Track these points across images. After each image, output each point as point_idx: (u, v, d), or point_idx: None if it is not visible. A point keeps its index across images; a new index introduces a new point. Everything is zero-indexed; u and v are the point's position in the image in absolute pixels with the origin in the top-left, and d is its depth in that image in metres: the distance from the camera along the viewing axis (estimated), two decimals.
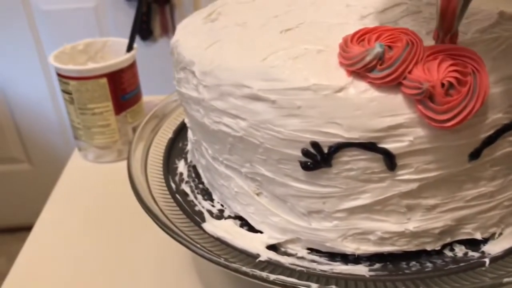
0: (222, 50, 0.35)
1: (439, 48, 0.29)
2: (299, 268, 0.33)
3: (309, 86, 0.30)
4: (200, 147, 0.41)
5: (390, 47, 0.29)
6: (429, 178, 0.31)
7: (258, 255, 0.35)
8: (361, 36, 0.31)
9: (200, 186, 0.44)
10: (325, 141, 0.31)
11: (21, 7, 1.23)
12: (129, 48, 0.62)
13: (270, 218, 0.36)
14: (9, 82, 1.33)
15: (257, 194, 0.36)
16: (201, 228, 0.38)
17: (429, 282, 0.32)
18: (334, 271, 0.33)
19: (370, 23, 0.36)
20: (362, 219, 0.33)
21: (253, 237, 0.37)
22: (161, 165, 0.46)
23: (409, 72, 0.29)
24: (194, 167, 0.46)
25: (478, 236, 0.35)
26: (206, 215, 0.40)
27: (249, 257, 0.35)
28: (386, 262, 0.34)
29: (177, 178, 0.45)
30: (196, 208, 0.41)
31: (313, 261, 0.35)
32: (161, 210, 0.39)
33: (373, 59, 0.29)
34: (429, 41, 0.31)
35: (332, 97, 0.30)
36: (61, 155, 1.40)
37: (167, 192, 0.43)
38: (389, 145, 0.30)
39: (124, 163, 0.45)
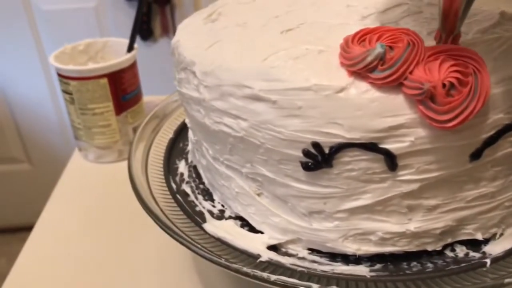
0: (222, 50, 0.35)
1: (440, 48, 0.29)
2: (300, 269, 0.33)
3: (310, 87, 0.30)
4: (201, 147, 0.41)
5: (391, 48, 0.29)
6: (430, 179, 0.31)
7: (258, 256, 0.35)
8: (362, 37, 0.31)
9: (201, 186, 0.44)
10: (326, 142, 0.31)
11: (21, 7, 1.23)
12: (130, 48, 0.62)
13: (271, 219, 0.36)
14: (10, 82, 1.33)
15: (258, 195, 0.36)
16: (202, 229, 0.38)
17: (430, 283, 0.32)
18: (335, 271, 0.33)
19: (371, 23, 0.36)
20: (363, 220, 0.33)
21: (253, 237, 0.37)
22: (162, 166, 0.46)
23: (410, 73, 0.29)
24: (195, 167, 0.46)
25: (479, 236, 0.35)
26: (207, 215, 0.40)
27: (250, 258, 0.35)
28: (387, 262, 0.34)
29: (177, 178, 0.45)
30: (197, 209, 0.41)
31: (314, 261, 0.35)
32: (161, 211, 0.39)
33: (374, 60, 0.29)
34: (430, 42, 0.31)
35: (333, 98, 0.30)
36: (62, 155, 1.40)
37: (168, 193, 0.43)
38: (390, 146, 0.30)
39: (124, 164, 0.45)
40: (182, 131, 0.51)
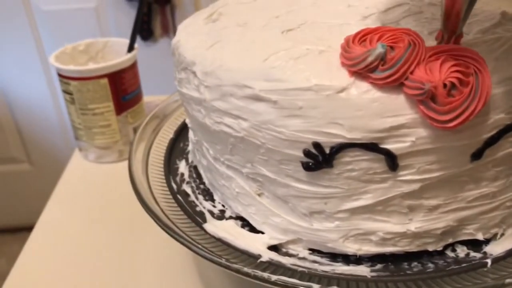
0: (223, 50, 0.35)
1: (441, 48, 0.29)
2: (300, 269, 0.33)
3: (311, 87, 0.30)
4: (201, 147, 0.41)
5: (392, 48, 0.29)
6: (431, 179, 0.31)
7: (259, 256, 0.35)
8: (363, 37, 0.31)
9: (201, 186, 0.44)
10: (327, 142, 0.31)
11: (21, 7, 1.23)
12: (130, 48, 0.62)
13: (272, 219, 0.36)
14: (10, 82, 1.33)
15: (259, 195, 0.36)
16: (202, 229, 0.38)
17: (430, 283, 0.32)
18: (336, 271, 0.33)
19: (372, 23, 0.36)
20: (364, 220, 0.33)
21: (254, 237, 0.37)
22: (162, 166, 0.46)
23: (411, 73, 0.29)
24: (195, 167, 0.46)
25: (480, 236, 0.34)
26: (207, 215, 0.40)
27: (251, 258, 0.35)
28: (387, 262, 0.34)
29: (178, 179, 0.45)
30: (197, 209, 0.41)
31: (315, 261, 0.35)
32: (162, 211, 0.39)
33: (375, 60, 0.29)
34: (431, 42, 0.31)
35: (334, 98, 0.30)
36: (62, 155, 1.40)
37: (168, 193, 0.43)
38: (391, 146, 0.30)
39: (125, 164, 0.45)
40: (182, 131, 0.51)
